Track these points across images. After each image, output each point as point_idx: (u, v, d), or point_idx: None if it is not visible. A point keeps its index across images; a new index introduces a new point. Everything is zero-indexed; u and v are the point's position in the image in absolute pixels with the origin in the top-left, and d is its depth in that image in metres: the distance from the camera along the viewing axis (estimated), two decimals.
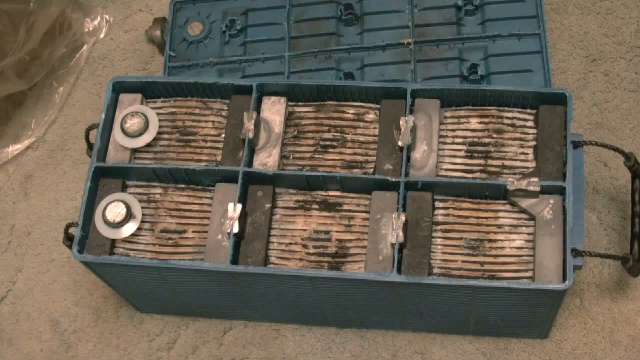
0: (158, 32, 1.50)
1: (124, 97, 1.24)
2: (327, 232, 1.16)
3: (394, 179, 1.14)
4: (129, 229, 1.18)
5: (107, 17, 1.59)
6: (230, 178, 1.18)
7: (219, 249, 1.16)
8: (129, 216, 1.17)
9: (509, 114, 1.19)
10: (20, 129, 1.52)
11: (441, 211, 1.16)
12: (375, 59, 1.38)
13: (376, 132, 1.20)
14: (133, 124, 1.20)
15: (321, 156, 1.20)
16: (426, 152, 1.17)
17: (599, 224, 1.35)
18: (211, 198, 1.19)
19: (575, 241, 1.10)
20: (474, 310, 1.19)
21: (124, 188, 1.21)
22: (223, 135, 1.22)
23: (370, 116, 1.21)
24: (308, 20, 1.42)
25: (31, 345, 1.38)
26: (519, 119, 1.19)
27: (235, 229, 1.13)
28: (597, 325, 1.30)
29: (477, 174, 1.16)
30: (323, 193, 1.18)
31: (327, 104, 1.23)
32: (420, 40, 1.38)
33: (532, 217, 1.13)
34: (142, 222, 1.18)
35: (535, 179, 1.12)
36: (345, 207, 1.17)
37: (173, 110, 1.25)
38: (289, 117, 1.23)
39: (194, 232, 1.18)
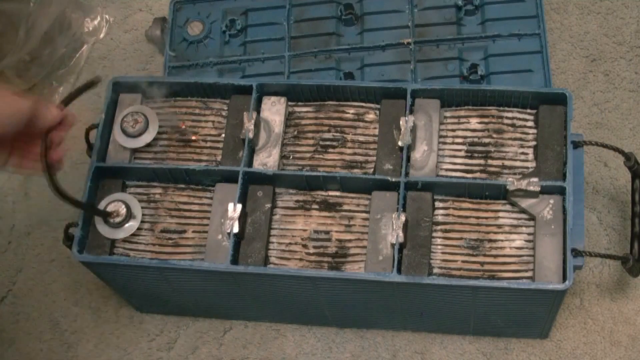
0: (158, 32, 1.50)
1: (124, 97, 1.24)
2: (327, 232, 1.16)
3: (394, 179, 1.14)
4: (129, 229, 1.18)
5: (107, 17, 1.59)
6: (230, 178, 1.18)
7: (219, 249, 1.16)
8: (129, 216, 1.17)
9: (509, 114, 1.19)
10: None
11: (441, 211, 1.16)
12: (375, 59, 1.38)
13: (376, 132, 1.20)
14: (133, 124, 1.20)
15: (321, 156, 1.20)
16: (426, 152, 1.17)
17: (599, 224, 1.35)
18: (211, 198, 1.19)
19: (575, 241, 1.10)
20: (474, 310, 1.19)
21: (124, 188, 1.21)
22: (223, 135, 1.22)
23: (370, 116, 1.21)
24: (308, 20, 1.42)
25: (31, 345, 1.38)
26: (519, 119, 1.19)
27: (235, 229, 1.13)
28: (597, 325, 1.30)
29: (477, 174, 1.16)
30: (323, 193, 1.18)
31: (327, 104, 1.22)
32: (420, 40, 1.38)
33: (532, 217, 1.13)
34: (142, 222, 1.18)
35: (535, 179, 1.12)
36: (345, 207, 1.17)
37: (173, 110, 1.25)
38: (289, 117, 1.23)
39: (194, 232, 1.18)
